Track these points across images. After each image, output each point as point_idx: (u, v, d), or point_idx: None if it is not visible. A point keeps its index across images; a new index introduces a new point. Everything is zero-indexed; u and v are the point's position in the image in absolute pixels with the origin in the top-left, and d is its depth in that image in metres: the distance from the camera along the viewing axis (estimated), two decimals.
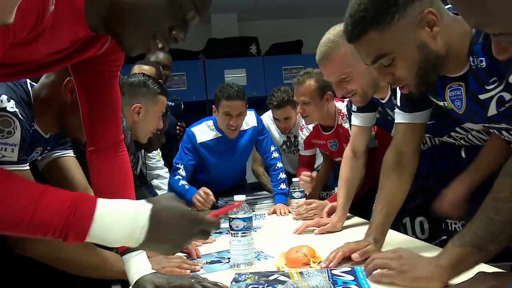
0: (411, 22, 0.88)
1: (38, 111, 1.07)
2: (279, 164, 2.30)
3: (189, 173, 2.23)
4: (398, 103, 1.18)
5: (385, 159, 1.20)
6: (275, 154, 2.33)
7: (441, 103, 1.08)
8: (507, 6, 0.54)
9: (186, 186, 2.10)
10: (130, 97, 1.51)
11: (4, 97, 0.94)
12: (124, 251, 0.96)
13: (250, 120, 2.30)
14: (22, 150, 0.96)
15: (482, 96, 0.94)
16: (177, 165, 2.19)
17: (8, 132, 0.92)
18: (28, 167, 1.01)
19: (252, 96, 4.06)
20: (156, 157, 2.32)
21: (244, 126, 2.26)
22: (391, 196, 1.17)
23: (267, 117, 2.63)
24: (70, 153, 1.26)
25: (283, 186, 2.20)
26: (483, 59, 0.88)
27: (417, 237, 1.48)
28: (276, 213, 2.00)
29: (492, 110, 0.95)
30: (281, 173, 2.26)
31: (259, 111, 4.14)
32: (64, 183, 1.19)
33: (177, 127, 2.80)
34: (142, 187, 1.87)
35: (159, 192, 2.12)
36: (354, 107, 1.57)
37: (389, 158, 1.19)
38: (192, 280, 0.96)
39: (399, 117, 1.18)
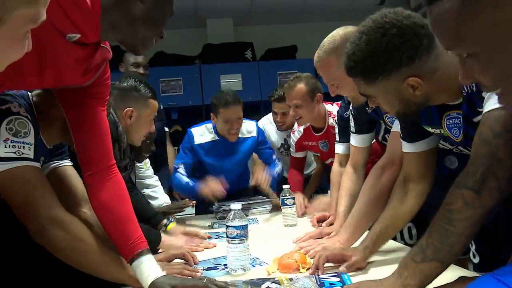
0: (395, 83, 0.93)
1: (42, 122, 1.12)
2: (279, 164, 2.38)
3: (190, 170, 2.30)
4: (401, 134, 1.21)
5: (397, 181, 1.23)
6: (278, 162, 2.39)
7: (437, 131, 1.10)
8: (472, 28, 0.60)
9: (190, 183, 2.16)
10: (122, 102, 1.55)
11: (16, 103, 1.00)
12: (132, 258, 1.03)
13: (251, 128, 2.37)
14: (36, 151, 1.02)
15: (476, 119, 0.97)
16: (178, 165, 2.27)
17: (25, 132, 0.99)
18: (40, 165, 1.07)
19: (247, 100, 4.12)
20: (143, 167, 2.33)
21: (245, 133, 2.34)
22: (392, 211, 1.19)
23: (266, 121, 2.73)
24: (67, 162, 1.29)
25: (275, 171, 2.29)
26: (474, 84, 0.93)
27: (406, 243, 1.54)
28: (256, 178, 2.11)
29: None
30: (278, 167, 2.33)
31: (255, 115, 4.22)
32: (64, 192, 1.22)
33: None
34: (135, 189, 1.88)
35: (152, 202, 2.14)
36: (352, 129, 1.65)
37: (398, 179, 1.22)
38: (205, 280, 1.03)
39: (404, 146, 1.20)
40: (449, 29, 0.64)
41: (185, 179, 2.19)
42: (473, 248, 1.26)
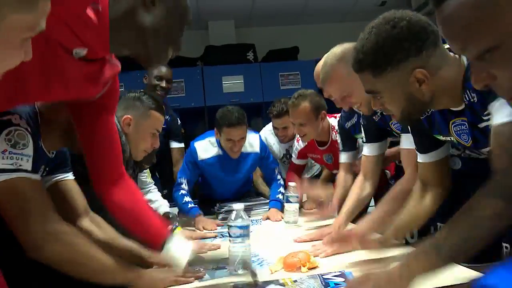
0: (402, 75, 0.95)
1: (44, 129, 1.12)
2: (280, 181, 2.37)
3: (192, 184, 2.30)
4: (414, 145, 1.24)
5: (414, 186, 1.26)
6: (278, 176, 2.39)
7: (448, 138, 1.13)
8: (494, 15, 0.57)
9: (190, 205, 2.14)
10: (123, 110, 1.54)
11: (17, 115, 1.00)
12: (161, 245, 1.12)
13: (254, 143, 2.35)
14: (35, 162, 1.02)
15: (481, 125, 0.99)
16: (181, 179, 2.25)
17: (23, 144, 0.98)
18: (40, 177, 1.06)
19: (249, 102, 4.15)
20: (147, 179, 2.19)
21: (248, 148, 2.31)
22: (410, 210, 1.22)
23: (267, 132, 2.72)
24: (70, 176, 1.28)
25: (280, 196, 2.26)
26: (474, 95, 0.95)
27: (407, 241, 1.55)
28: (269, 218, 2.07)
29: None
30: (281, 187, 2.32)
31: (256, 117, 4.24)
32: (65, 206, 1.22)
33: None
34: None
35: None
36: (364, 139, 1.66)
37: (416, 184, 1.25)
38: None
39: (419, 157, 1.23)
40: (466, 25, 0.60)
41: (186, 199, 2.17)
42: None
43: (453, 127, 1.08)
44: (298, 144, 2.38)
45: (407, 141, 1.38)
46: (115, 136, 1.15)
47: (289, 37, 4.72)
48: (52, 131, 1.14)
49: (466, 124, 1.04)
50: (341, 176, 1.90)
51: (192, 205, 2.14)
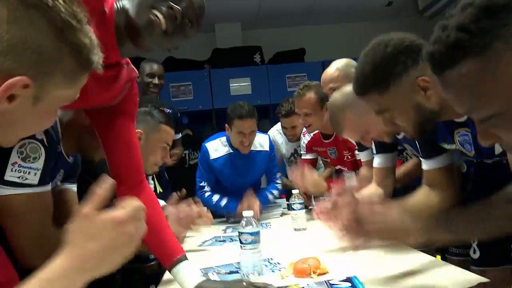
0: (406, 87, 0.98)
1: (62, 134, 1.16)
2: (279, 185, 2.43)
3: (213, 184, 2.36)
4: (420, 152, 1.25)
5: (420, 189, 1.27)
6: (278, 180, 2.45)
7: (452, 147, 1.16)
8: (497, 84, 0.57)
9: (223, 202, 2.24)
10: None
11: None
12: (171, 264, 1.08)
13: (264, 142, 2.41)
14: (44, 174, 1.04)
15: None
16: (201, 183, 2.32)
17: (34, 157, 1.00)
18: (49, 188, 1.08)
19: (256, 104, 4.15)
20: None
21: (258, 147, 2.37)
22: (417, 199, 1.22)
23: (275, 132, 2.76)
24: (74, 188, 1.31)
25: (270, 196, 2.34)
26: None
27: None
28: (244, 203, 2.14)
29: (498, 149, 1.04)
30: (276, 190, 2.39)
31: (264, 118, 4.26)
32: (65, 215, 1.25)
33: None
34: None
35: None
36: (374, 150, 1.64)
37: (422, 188, 1.26)
38: (244, 283, 1.08)
39: (423, 164, 1.25)
40: (470, 93, 0.61)
41: (215, 198, 2.26)
42: (474, 244, 1.28)
43: (458, 136, 1.10)
44: (305, 138, 2.42)
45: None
46: (135, 142, 1.16)
47: (295, 39, 4.73)
48: (68, 136, 1.17)
49: (469, 134, 1.06)
50: (364, 172, 1.86)
51: (225, 200, 2.22)
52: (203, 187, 2.29)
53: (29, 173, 0.99)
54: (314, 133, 2.31)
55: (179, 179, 2.77)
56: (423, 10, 4.08)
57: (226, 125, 2.28)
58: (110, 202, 1.01)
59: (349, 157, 2.14)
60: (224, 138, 2.35)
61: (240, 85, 4.20)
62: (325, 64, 4.28)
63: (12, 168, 0.96)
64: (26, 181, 0.99)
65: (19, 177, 0.97)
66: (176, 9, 0.93)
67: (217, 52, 4.39)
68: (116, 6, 0.96)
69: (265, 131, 2.75)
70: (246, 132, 2.20)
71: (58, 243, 0.98)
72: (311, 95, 2.10)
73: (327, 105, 2.09)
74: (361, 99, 1.07)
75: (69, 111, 1.18)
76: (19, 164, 0.97)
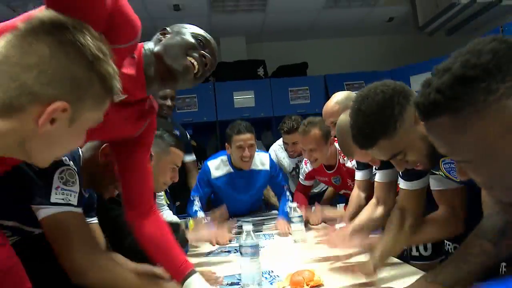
0: (409, 122, 1.04)
1: (81, 169, 1.25)
2: (289, 197, 2.48)
3: (205, 201, 2.42)
4: (400, 173, 1.33)
5: (392, 212, 1.36)
6: (287, 193, 2.50)
7: (438, 173, 1.23)
8: (465, 141, 0.68)
9: (198, 214, 2.27)
10: None
11: (67, 157, 1.13)
12: (184, 278, 1.18)
13: (265, 160, 2.48)
14: (79, 197, 1.14)
15: None
16: (193, 197, 2.39)
17: (72, 182, 1.11)
18: (82, 211, 1.17)
19: (260, 116, 4.26)
20: (162, 201, 2.30)
21: (259, 166, 2.44)
22: (391, 235, 1.31)
23: (277, 147, 2.85)
24: (95, 220, 1.44)
25: (288, 209, 2.33)
26: None
27: (421, 254, 1.63)
28: (278, 229, 2.16)
29: None
30: (289, 201, 2.41)
31: (266, 131, 4.33)
32: None
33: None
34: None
35: None
36: (375, 166, 1.71)
37: (394, 210, 1.35)
38: None
39: (401, 183, 1.35)
40: (444, 140, 0.72)
41: (195, 208, 2.31)
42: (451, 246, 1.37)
43: (443, 164, 1.16)
44: (306, 167, 2.47)
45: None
46: (149, 172, 1.27)
47: (298, 53, 4.82)
48: (85, 171, 1.26)
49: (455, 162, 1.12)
50: (355, 193, 1.94)
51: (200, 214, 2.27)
52: (193, 200, 2.35)
53: (70, 195, 1.09)
54: None
55: (183, 191, 2.84)
56: (423, 27, 4.16)
57: (226, 144, 2.35)
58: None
59: (352, 184, 2.15)
60: (225, 158, 2.42)
61: (243, 98, 4.29)
62: (327, 78, 4.42)
63: (56, 192, 1.06)
64: (69, 202, 1.09)
65: (63, 199, 1.07)
66: (208, 58, 1.08)
67: (222, 65, 4.49)
68: (144, 50, 1.06)
69: (267, 143, 2.84)
70: (245, 145, 2.27)
71: (110, 262, 1.10)
72: (316, 131, 2.15)
73: (331, 140, 2.18)
74: (370, 151, 1.11)
75: (90, 149, 1.28)
76: (61, 188, 1.07)
